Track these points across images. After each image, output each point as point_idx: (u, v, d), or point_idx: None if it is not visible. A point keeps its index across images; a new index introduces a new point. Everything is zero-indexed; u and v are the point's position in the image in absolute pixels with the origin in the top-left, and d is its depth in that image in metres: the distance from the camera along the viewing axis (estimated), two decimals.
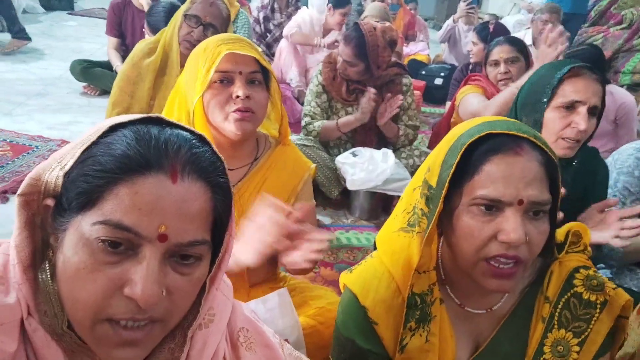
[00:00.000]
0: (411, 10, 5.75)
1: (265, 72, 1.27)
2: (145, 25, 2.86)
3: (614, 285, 0.89)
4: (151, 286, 0.53)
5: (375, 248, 1.00)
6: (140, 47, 2.18)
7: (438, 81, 4.56)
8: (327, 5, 3.92)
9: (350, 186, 2.45)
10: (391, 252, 0.91)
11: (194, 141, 0.59)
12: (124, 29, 3.57)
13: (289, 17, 4.04)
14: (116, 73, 3.36)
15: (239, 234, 1.15)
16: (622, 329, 0.89)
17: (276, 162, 1.36)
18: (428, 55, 5.27)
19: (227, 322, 0.72)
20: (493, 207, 0.78)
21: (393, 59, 2.61)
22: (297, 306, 1.33)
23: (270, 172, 1.34)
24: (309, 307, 1.38)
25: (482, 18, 5.53)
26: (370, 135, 2.61)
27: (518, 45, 2.63)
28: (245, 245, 1.12)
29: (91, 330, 0.55)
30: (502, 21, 4.75)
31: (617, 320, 0.88)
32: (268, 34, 4.16)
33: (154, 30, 2.59)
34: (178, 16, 2.09)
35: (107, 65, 3.63)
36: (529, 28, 4.13)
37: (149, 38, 2.40)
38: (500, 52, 2.59)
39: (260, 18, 4.16)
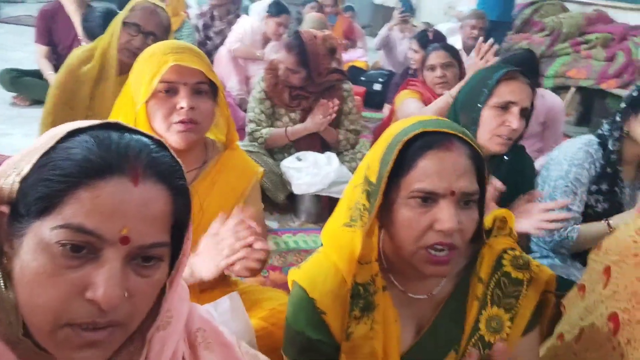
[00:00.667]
0: (349, 18, 5.88)
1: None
2: (81, 32, 2.77)
3: (538, 263, 0.97)
4: (113, 288, 0.54)
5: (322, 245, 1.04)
6: (76, 54, 2.12)
7: (377, 86, 4.70)
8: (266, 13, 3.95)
9: (296, 190, 2.48)
10: (336, 246, 0.96)
11: (152, 146, 0.61)
12: (55, 37, 3.43)
13: (230, 24, 4.03)
14: (47, 82, 3.25)
15: (196, 248, 1.16)
16: (548, 303, 0.97)
17: (225, 167, 1.37)
18: (366, 61, 5.41)
19: (184, 324, 0.73)
20: (428, 199, 0.84)
21: (333, 65, 2.68)
22: (248, 309, 1.34)
23: (219, 176, 1.35)
24: (260, 309, 1.39)
25: (417, 26, 5.74)
26: (314, 140, 2.66)
27: (452, 51, 2.79)
28: (205, 260, 1.14)
29: (51, 335, 0.55)
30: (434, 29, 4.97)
31: (543, 295, 0.96)
32: (208, 41, 4.13)
33: (91, 36, 2.52)
34: (116, 23, 2.05)
35: (37, 75, 3.48)
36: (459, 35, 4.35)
37: (84, 45, 2.33)
38: (436, 57, 2.72)
39: (200, 26, 4.13)
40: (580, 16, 4.95)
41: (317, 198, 2.58)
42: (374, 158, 0.91)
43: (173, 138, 1.22)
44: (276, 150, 2.69)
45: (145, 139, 0.61)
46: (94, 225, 0.54)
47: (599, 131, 1.80)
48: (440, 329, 0.96)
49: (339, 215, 0.98)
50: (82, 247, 0.54)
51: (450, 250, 0.85)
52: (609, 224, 1.66)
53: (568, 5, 5.55)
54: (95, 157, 0.55)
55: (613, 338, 1.03)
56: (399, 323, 0.94)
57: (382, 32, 5.15)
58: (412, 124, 0.89)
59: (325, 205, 2.63)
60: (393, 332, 0.93)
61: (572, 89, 4.53)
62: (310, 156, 2.53)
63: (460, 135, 0.87)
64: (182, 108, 1.20)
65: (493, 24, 4.37)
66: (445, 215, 0.82)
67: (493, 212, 1.02)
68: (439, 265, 0.85)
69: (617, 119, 1.74)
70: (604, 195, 1.75)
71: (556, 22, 4.96)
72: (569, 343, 1.16)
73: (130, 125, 0.63)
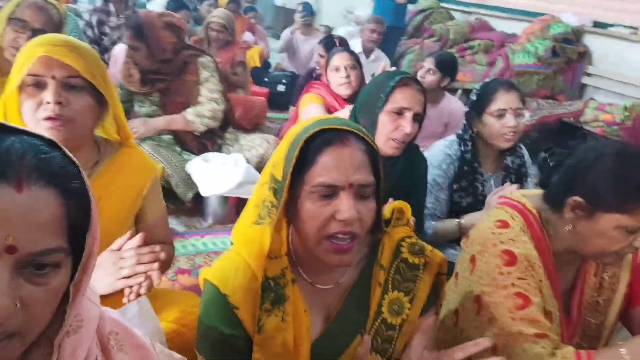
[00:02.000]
0: (251, 19, 5.88)
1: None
2: None
3: (431, 248, 1.08)
4: (1, 300, 0.52)
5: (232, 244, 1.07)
6: None
7: (280, 88, 4.76)
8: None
9: (203, 192, 2.46)
10: (245, 242, 0.99)
11: (41, 146, 0.57)
12: None
13: (127, 19, 3.88)
14: None
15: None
16: (441, 285, 1.08)
17: (121, 165, 1.32)
18: (261, 47, 5.36)
19: (96, 327, 0.72)
20: (329, 191, 0.91)
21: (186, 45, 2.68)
22: (157, 312, 1.32)
23: (116, 175, 1.31)
24: (169, 311, 1.38)
25: (318, 29, 5.88)
26: (192, 142, 2.67)
27: (354, 55, 2.91)
28: (101, 274, 1.12)
29: None
30: (333, 32, 5.15)
31: (437, 277, 1.07)
32: (104, 37, 3.94)
33: None
34: (0, 20, 1.91)
35: None
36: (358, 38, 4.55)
37: None
38: (340, 58, 2.81)
39: (94, 22, 3.93)
40: (464, 24, 5.40)
41: (225, 199, 2.58)
42: (278, 156, 0.96)
43: None
44: (179, 150, 2.66)
45: (32, 140, 0.57)
46: None
47: (458, 132, 1.97)
48: (346, 316, 1.03)
49: (248, 214, 1.01)
50: None
51: (351, 239, 0.92)
52: (459, 223, 1.83)
53: (453, 13, 6.01)
54: None
55: (477, 317, 1.17)
56: (309, 314, 0.99)
57: (285, 35, 5.24)
58: (312, 123, 0.95)
59: (232, 207, 2.63)
60: (303, 323, 0.98)
61: (459, 91, 4.91)
62: (216, 157, 2.52)
63: (356, 132, 0.94)
64: (48, 103, 1.13)
65: (388, 29, 4.63)
66: (344, 206, 0.89)
67: (392, 204, 1.11)
68: (342, 254, 0.92)
69: (464, 122, 1.92)
70: (466, 191, 1.92)
71: (444, 29, 5.35)
72: (449, 328, 1.28)
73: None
